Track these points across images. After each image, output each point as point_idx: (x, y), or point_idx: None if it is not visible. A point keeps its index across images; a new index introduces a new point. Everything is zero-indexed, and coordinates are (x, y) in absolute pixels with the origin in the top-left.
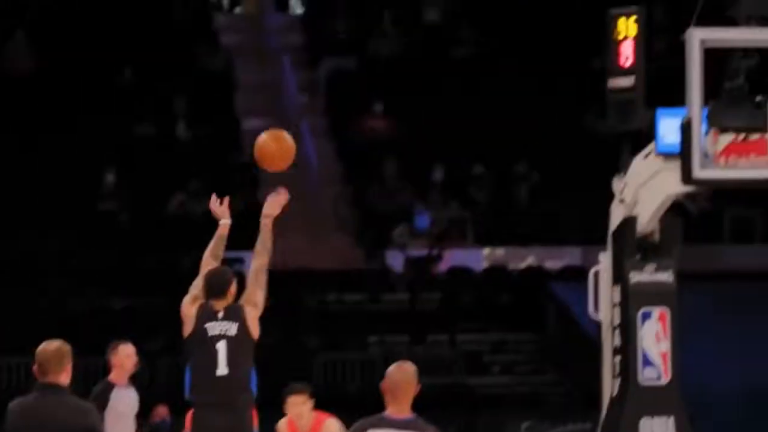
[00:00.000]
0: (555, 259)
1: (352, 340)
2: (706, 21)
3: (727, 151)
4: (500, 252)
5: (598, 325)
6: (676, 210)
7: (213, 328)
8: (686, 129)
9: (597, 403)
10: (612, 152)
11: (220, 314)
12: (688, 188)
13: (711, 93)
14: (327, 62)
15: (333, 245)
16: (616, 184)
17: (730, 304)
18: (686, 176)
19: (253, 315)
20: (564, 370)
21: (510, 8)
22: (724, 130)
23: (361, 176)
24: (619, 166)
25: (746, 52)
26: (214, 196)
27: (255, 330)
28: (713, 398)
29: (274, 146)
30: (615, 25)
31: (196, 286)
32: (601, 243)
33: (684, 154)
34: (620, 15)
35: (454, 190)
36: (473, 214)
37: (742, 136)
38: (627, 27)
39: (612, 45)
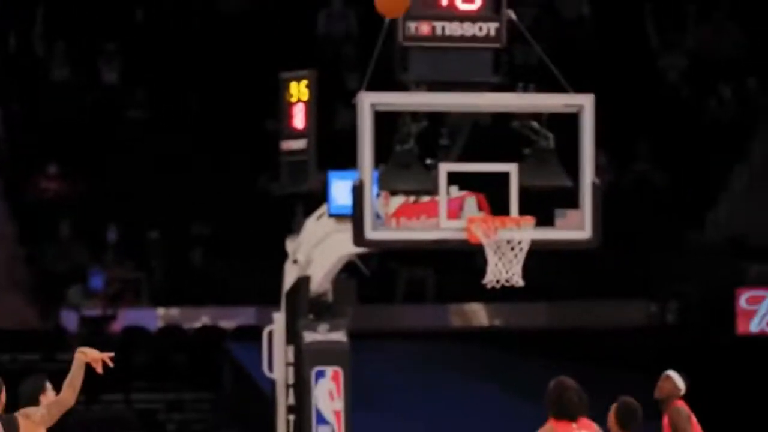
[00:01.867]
0: (230, 319)
1: None
2: (377, 86)
3: (399, 212)
4: (175, 312)
5: (273, 384)
6: (349, 270)
7: None
8: (358, 191)
9: None
10: (285, 213)
11: None
12: (360, 249)
13: (383, 156)
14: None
15: (6, 305)
16: (290, 244)
17: (404, 362)
18: (358, 237)
19: (25, 426)
20: (240, 428)
21: (184, 70)
22: (394, 192)
23: (36, 236)
24: (293, 227)
25: (416, 116)
26: None
27: None
28: None
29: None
30: (287, 89)
31: None
32: (275, 303)
33: (356, 215)
34: (292, 79)
35: (128, 250)
36: (148, 274)
37: (413, 198)
38: (299, 91)
39: (284, 108)
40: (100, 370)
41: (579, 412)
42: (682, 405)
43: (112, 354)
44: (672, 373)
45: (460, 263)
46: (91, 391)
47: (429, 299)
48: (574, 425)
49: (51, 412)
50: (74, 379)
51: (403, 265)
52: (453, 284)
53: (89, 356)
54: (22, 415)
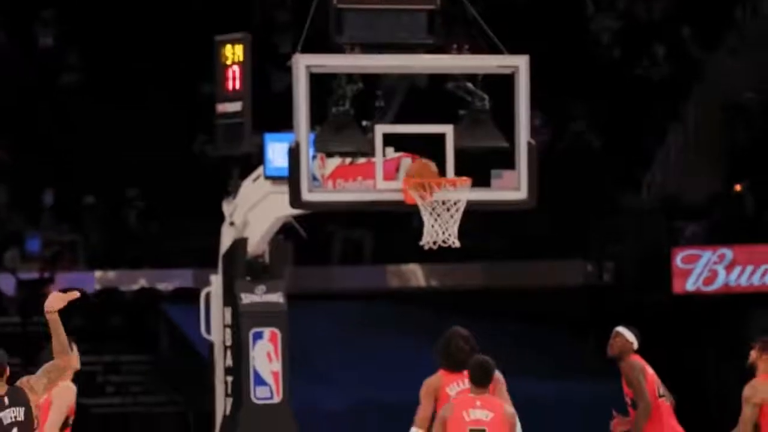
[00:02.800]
0: (167, 281)
1: None
2: (312, 48)
3: (335, 174)
4: (112, 275)
5: (210, 346)
6: (286, 232)
7: (5, 416)
8: (294, 153)
9: (211, 422)
10: (221, 176)
11: (6, 400)
12: (297, 211)
13: (319, 118)
14: None
15: None
16: (226, 206)
17: (342, 323)
18: (295, 199)
19: (32, 400)
20: (178, 391)
21: (118, 34)
22: (330, 154)
23: None
24: (229, 189)
25: (351, 77)
26: None
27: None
28: (324, 415)
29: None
30: (221, 51)
31: None
32: (212, 265)
33: (292, 177)
34: (226, 41)
35: (65, 213)
36: (84, 237)
37: (349, 159)
38: (234, 53)
39: (219, 71)
40: (74, 297)
41: (468, 359)
42: (635, 358)
43: (76, 294)
44: (621, 329)
45: (397, 224)
46: (31, 353)
47: (366, 260)
48: (464, 372)
49: (51, 378)
50: (63, 346)
51: (340, 227)
52: (390, 245)
53: (58, 303)
54: (27, 388)
